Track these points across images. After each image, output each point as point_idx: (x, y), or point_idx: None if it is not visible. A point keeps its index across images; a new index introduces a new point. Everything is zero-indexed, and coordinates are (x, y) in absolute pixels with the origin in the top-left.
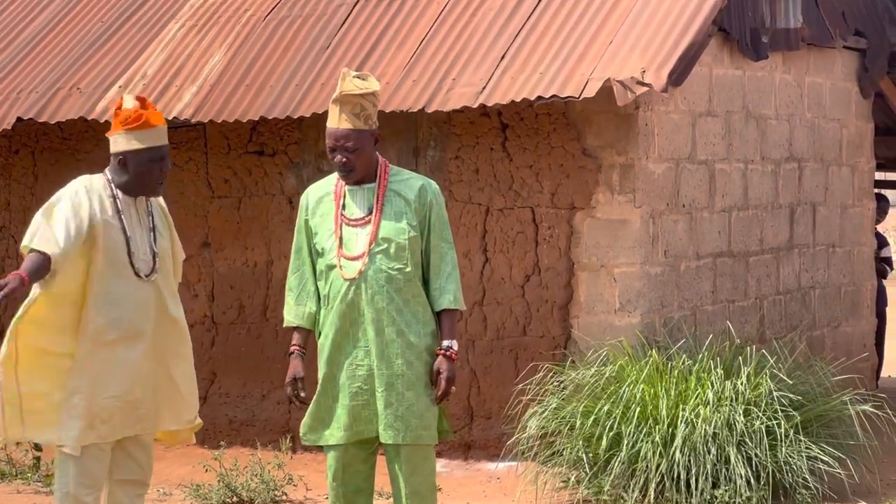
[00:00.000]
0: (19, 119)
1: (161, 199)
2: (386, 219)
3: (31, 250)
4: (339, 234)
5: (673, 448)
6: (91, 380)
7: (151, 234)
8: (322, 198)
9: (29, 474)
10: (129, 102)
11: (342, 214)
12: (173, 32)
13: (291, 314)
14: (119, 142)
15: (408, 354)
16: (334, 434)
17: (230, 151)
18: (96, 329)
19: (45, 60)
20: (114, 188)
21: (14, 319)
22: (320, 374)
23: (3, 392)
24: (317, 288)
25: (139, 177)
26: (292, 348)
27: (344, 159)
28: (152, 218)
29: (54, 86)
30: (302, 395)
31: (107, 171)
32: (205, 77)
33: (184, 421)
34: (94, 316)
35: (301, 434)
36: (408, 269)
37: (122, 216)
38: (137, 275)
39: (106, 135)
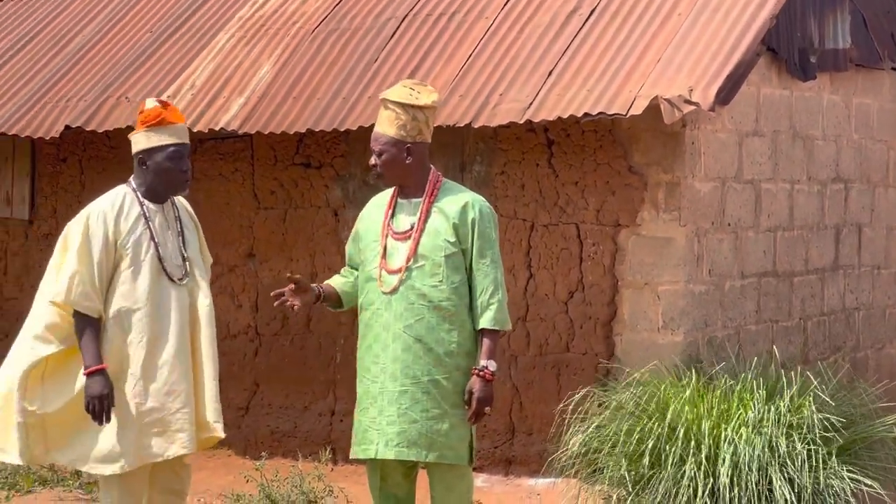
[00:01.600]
0: (67, 127)
1: (187, 203)
2: (426, 235)
3: (75, 311)
4: (384, 244)
5: (716, 468)
6: (142, 391)
7: (180, 238)
8: (378, 207)
9: (70, 482)
10: (151, 103)
11: (389, 226)
12: (222, 43)
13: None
14: (139, 141)
15: (435, 372)
16: (369, 448)
17: (277, 163)
18: (137, 341)
19: (94, 69)
20: (140, 196)
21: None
22: (357, 388)
23: (25, 416)
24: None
25: (159, 175)
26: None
27: (373, 161)
28: (180, 222)
29: (103, 94)
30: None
31: (131, 180)
32: (252, 88)
33: (209, 428)
34: (139, 329)
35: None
36: (443, 287)
37: (150, 224)
38: (171, 279)
39: (128, 136)
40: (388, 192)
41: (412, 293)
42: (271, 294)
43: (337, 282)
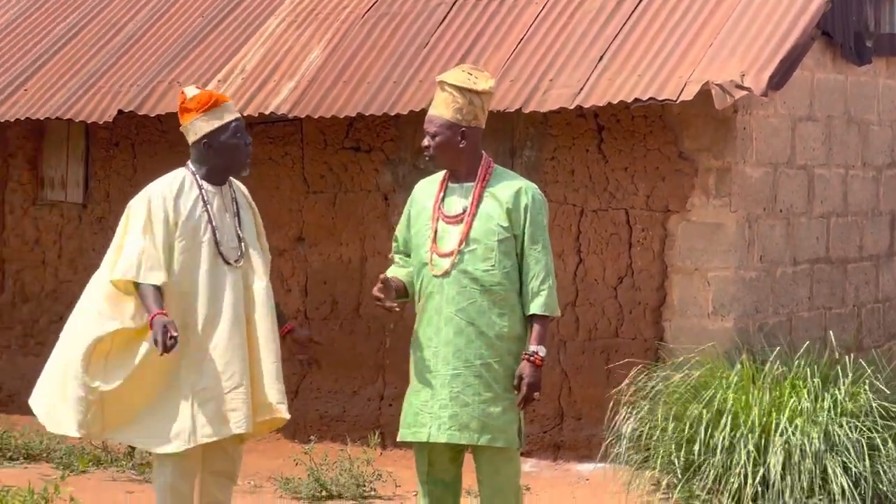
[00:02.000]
0: (120, 112)
1: (243, 186)
2: (478, 219)
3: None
4: (435, 228)
5: (767, 456)
6: (198, 371)
7: (236, 219)
8: (428, 190)
9: (124, 462)
10: (193, 91)
11: (440, 209)
12: (272, 28)
13: (388, 272)
14: (199, 127)
15: (487, 356)
16: (420, 432)
17: (326, 147)
18: (195, 322)
19: (146, 55)
20: (198, 179)
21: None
22: (410, 370)
23: (87, 392)
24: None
25: (227, 154)
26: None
27: (425, 143)
28: (236, 204)
29: (154, 80)
30: (384, 295)
31: (189, 164)
32: (303, 72)
33: (271, 410)
34: (199, 310)
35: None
36: (495, 271)
37: (209, 207)
38: (227, 262)
39: (181, 128)
40: (438, 176)
41: (464, 277)
42: (374, 294)
43: (400, 273)
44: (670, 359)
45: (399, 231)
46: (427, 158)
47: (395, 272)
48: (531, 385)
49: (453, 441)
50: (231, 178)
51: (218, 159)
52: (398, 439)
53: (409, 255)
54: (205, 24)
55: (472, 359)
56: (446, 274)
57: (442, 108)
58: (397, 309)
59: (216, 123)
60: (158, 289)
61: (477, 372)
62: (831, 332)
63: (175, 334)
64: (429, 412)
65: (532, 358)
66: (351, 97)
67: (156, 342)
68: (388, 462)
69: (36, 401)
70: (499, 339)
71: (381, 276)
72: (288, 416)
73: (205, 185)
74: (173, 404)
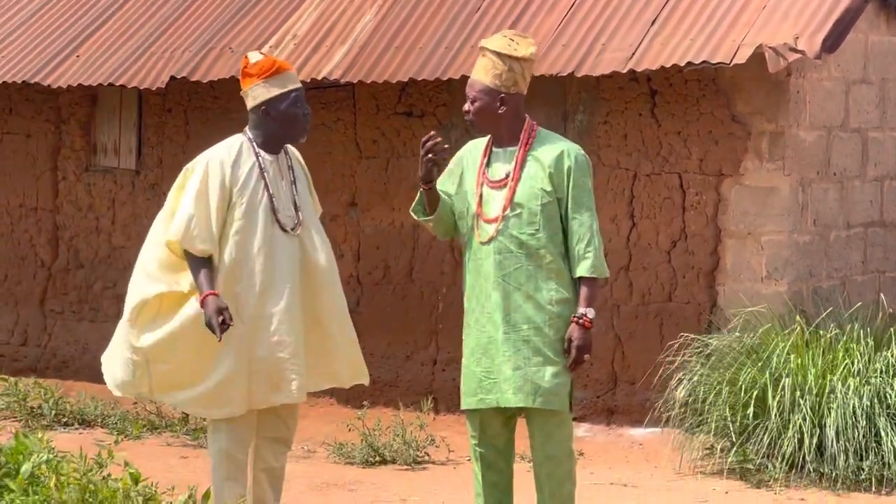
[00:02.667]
0: (172, 78)
1: (299, 154)
2: (522, 183)
3: (186, 252)
4: (480, 192)
5: (822, 418)
6: (250, 339)
7: (293, 187)
8: (475, 154)
9: (178, 427)
10: (256, 56)
11: (485, 174)
12: None
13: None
14: (259, 93)
15: (536, 320)
16: (469, 399)
17: (379, 112)
18: (248, 288)
19: (199, 20)
20: (255, 147)
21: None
22: (464, 337)
23: (132, 352)
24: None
25: (285, 122)
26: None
27: (466, 108)
28: (292, 171)
29: (206, 45)
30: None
31: (246, 130)
32: (355, 38)
33: (345, 380)
34: (254, 278)
35: None
36: (540, 235)
37: (265, 175)
38: (283, 230)
39: (241, 93)
40: (484, 140)
41: (510, 241)
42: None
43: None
44: (724, 323)
45: (439, 183)
46: (469, 123)
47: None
48: (580, 348)
49: (508, 405)
50: (287, 145)
51: (275, 127)
52: (462, 407)
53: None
54: None
55: (521, 323)
56: (492, 240)
57: (482, 74)
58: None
59: (276, 91)
60: (208, 261)
61: (526, 336)
62: (885, 295)
63: (230, 322)
64: (490, 378)
65: (581, 320)
66: (403, 62)
67: (209, 327)
68: (442, 427)
69: (104, 365)
70: (548, 303)
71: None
72: (367, 380)
73: (262, 152)
74: (225, 370)
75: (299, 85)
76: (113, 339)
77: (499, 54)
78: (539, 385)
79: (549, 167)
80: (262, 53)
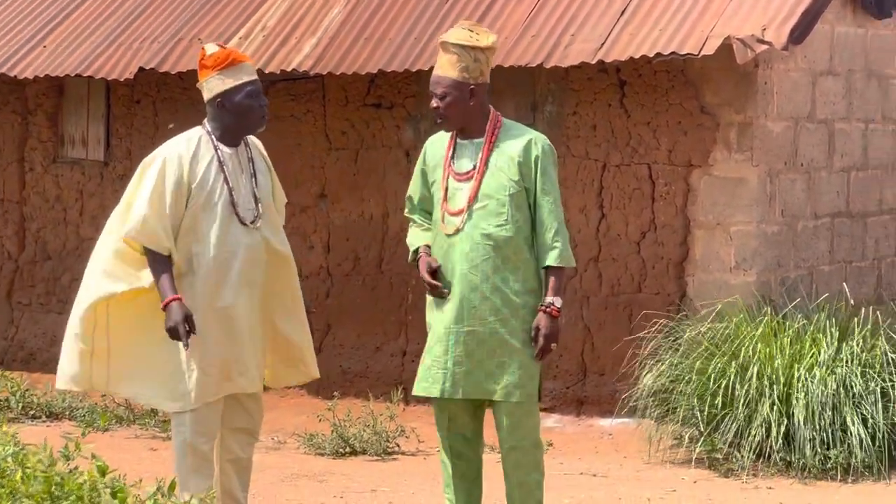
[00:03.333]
0: (141, 69)
1: (260, 144)
2: (489, 175)
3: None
4: (446, 186)
5: (789, 408)
6: (203, 332)
7: (253, 179)
8: (438, 149)
9: (147, 419)
10: (212, 48)
11: (451, 167)
12: None
13: (412, 238)
14: (214, 85)
15: (503, 311)
16: (434, 388)
17: (348, 104)
18: (204, 282)
19: (167, 11)
20: (214, 140)
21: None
22: (428, 327)
23: (84, 343)
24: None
25: (240, 114)
26: (420, 253)
27: (434, 104)
28: (253, 164)
29: (175, 36)
30: (439, 284)
31: (205, 122)
32: (324, 29)
33: (300, 374)
34: (211, 271)
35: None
36: (508, 226)
37: (224, 168)
38: (242, 223)
39: (197, 85)
40: (446, 134)
41: (477, 233)
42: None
43: (426, 238)
44: (693, 313)
45: (412, 190)
46: (438, 121)
47: (420, 237)
48: (547, 336)
49: (469, 396)
50: (248, 136)
51: (231, 119)
52: (413, 393)
53: (429, 212)
54: None
55: (487, 315)
56: (458, 231)
57: (448, 69)
58: (446, 292)
59: (230, 83)
60: (168, 258)
61: (492, 328)
62: (850, 285)
63: (193, 331)
64: (442, 368)
65: (549, 309)
66: (372, 54)
67: (172, 333)
68: (412, 418)
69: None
70: (514, 294)
71: (428, 263)
72: (317, 376)
73: (220, 145)
74: (180, 362)
75: (255, 77)
76: (66, 332)
77: (462, 46)
78: (505, 376)
79: (518, 157)
80: (219, 45)
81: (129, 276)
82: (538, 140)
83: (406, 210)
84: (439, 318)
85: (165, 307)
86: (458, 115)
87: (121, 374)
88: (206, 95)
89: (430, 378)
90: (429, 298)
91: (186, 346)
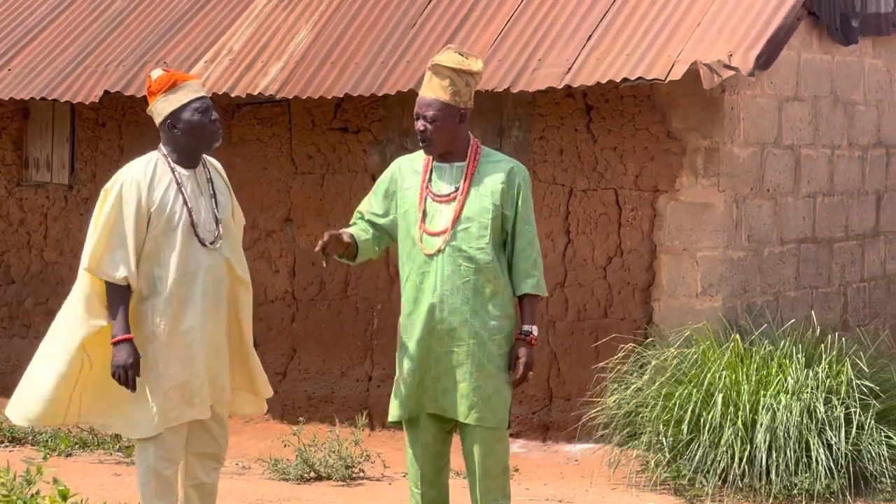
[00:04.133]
0: (106, 92)
1: (219, 165)
2: (472, 198)
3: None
4: (423, 207)
5: (754, 434)
6: (166, 357)
7: (213, 200)
8: (411, 170)
9: (110, 444)
10: (157, 73)
11: (428, 188)
12: (260, 8)
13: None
14: (162, 109)
15: (482, 334)
16: (403, 409)
17: (314, 128)
18: (167, 305)
19: (133, 35)
20: (171, 162)
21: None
22: (397, 352)
23: (68, 384)
24: (374, 228)
25: (191, 133)
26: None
27: (422, 127)
28: (212, 184)
29: (141, 60)
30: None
31: (161, 147)
32: (290, 53)
33: (260, 395)
34: (172, 293)
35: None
36: (489, 249)
37: (183, 189)
38: (203, 244)
39: (147, 112)
40: (418, 156)
41: (458, 255)
42: (316, 250)
43: (355, 232)
44: (659, 339)
45: (364, 206)
46: (423, 143)
47: (352, 230)
48: (527, 364)
49: (446, 415)
50: (206, 157)
51: (184, 140)
52: (389, 419)
53: (371, 224)
54: (192, 4)
55: (466, 337)
56: (439, 252)
57: (439, 91)
58: (334, 258)
59: (177, 103)
60: (126, 290)
61: (470, 351)
62: (817, 310)
63: (137, 376)
64: (417, 389)
65: (528, 338)
66: (339, 78)
67: (117, 378)
68: (377, 443)
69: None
70: (492, 318)
71: (329, 232)
72: (271, 393)
73: (177, 168)
74: (141, 388)
75: (202, 94)
76: (31, 370)
77: (455, 70)
78: (480, 401)
79: (501, 183)
80: (164, 69)
81: (104, 311)
82: (519, 169)
83: (350, 221)
84: (417, 338)
85: (115, 344)
86: (445, 138)
87: (91, 405)
88: (157, 120)
89: (407, 403)
90: (402, 318)
91: (133, 389)
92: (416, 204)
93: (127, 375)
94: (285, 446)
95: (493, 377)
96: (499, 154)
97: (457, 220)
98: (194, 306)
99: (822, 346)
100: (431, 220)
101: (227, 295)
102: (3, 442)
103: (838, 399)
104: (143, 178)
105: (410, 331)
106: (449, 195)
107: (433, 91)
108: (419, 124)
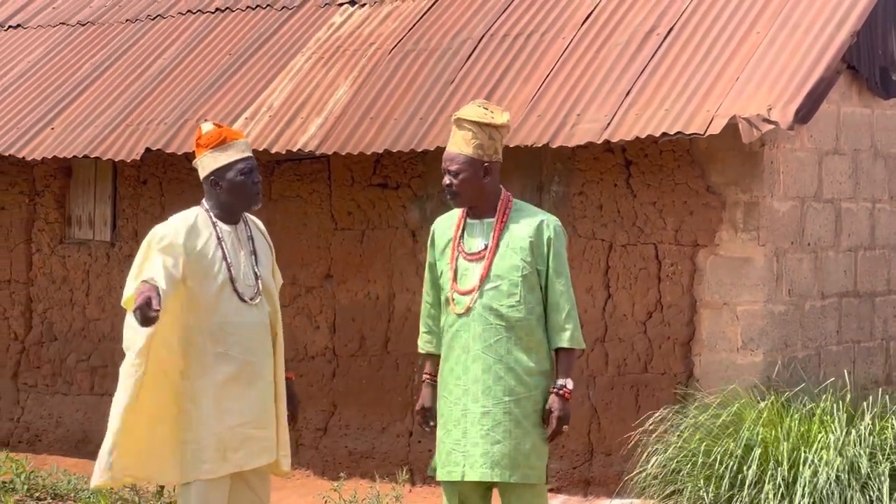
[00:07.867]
0: (148, 150)
1: (259, 222)
2: (500, 255)
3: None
4: (455, 266)
5: (795, 490)
6: (215, 410)
7: (253, 257)
8: (446, 230)
9: (152, 501)
10: (208, 127)
11: (460, 247)
12: (299, 65)
13: (423, 341)
14: (207, 164)
15: (517, 391)
16: (454, 471)
17: (354, 184)
18: (209, 358)
19: (174, 93)
20: (212, 217)
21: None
22: (438, 402)
23: (119, 436)
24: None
25: (233, 192)
26: (424, 376)
27: (448, 182)
28: (252, 242)
29: (182, 117)
30: (431, 424)
31: (203, 202)
32: (330, 109)
33: (283, 455)
34: (208, 345)
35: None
36: (521, 307)
37: (223, 244)
38: (242, 300)
39: (193, 163)
40: (453, 214)
41: (489, 314)
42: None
43: (431, 343)
44: (700, 394)
45: (426, 291)
46: (449, 197)
47: (428, 350)
48: (561, 419)
49: (486, 479)
50: (247, 214)
51: (226, 197)
52: (437, 478)
53: (437, 322)
54: (233, 62)
55: (502, 395)
56: (468, 311)
57: (462, 145)
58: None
59: (223, 161)
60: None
61: (507, 409)
62: (859, 365)
63: (157, 309)
64: (462, 451)
65: (561, 391)
66: (378, 134)
67: (135, 311)
68: (418, 499)
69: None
70: (527, 374)
71: (420, 408)
72: (288, 469)
73: (219, 223)
74: (189, 439)
75: (248, 154)
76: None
77: (478, 124)
78: (518, 459)
79: (530, 237)
80: (215, 124)
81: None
82: (550, 222)
83: (424, 298)
84: (453, 400)
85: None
86: (471, 192)
87: (135, 458)
88: (201, 174)
89: (449, 462)
90: (441, 380)
91: (142, 324)
92: (448, 262)
93: (144, 311)
94: (326, 502)
95: (530, 433)
96: (531, 207)
97: (485, 278)
98: (231, 359)
99: (865, 403)
100: (462, 279)
101: (269, 349)
102: (45, 499)
103: (883, 455)
104: (184, 227)
105: (447, 389)
106: (479, 253)
107: (457, 145)
108: (445, 179)
